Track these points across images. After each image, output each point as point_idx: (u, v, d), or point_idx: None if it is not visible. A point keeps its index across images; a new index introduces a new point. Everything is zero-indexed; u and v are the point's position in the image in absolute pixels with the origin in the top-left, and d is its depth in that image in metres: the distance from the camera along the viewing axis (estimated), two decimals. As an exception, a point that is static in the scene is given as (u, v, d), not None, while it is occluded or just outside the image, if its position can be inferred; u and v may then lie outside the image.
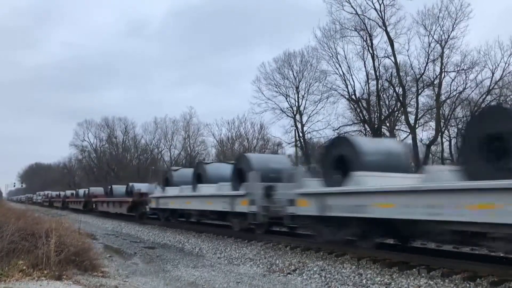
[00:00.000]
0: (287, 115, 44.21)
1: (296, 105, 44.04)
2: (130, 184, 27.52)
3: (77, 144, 75.93)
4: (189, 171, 19.25)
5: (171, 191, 18.95)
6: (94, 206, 32.64)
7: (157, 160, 71.20)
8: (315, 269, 8.69)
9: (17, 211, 15.00)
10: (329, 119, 46.47)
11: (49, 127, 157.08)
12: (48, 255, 7.19)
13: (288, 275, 8.62)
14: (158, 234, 16.94)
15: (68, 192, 47.85)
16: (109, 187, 32.22)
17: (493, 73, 33.24)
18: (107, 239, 16.37)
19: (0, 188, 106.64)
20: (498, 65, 33.22)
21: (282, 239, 12.27)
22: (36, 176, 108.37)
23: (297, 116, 43.86)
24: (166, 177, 20.85)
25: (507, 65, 32.71)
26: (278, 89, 44.49)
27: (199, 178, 17.07)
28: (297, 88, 43.88)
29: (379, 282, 7.40)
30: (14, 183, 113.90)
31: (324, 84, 40.43)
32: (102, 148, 77.01)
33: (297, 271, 8.76)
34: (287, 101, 44.37)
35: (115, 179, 60.17)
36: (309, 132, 43.86)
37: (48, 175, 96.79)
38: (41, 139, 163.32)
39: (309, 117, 43.52)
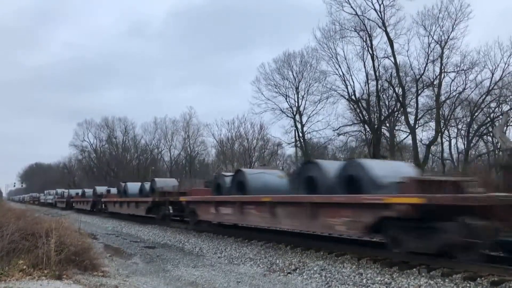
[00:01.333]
0: (287, 116, 44.34)
1: (296, 105, 44.16)
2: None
3: (77, 144, 76.24)
4: None
5: None
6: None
7: (157, 160, 71.29)
8: (315, 268, 8.69)
9: (17, 211, 14.96)
10: (329, 120, 46.96)
11: (49, 127, 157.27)
12: (48, 255, 7.20)
13: (289, 274, 8.63)
14: (158, 234, 16.91)
15: (102, 188, 31.94)
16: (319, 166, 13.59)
17: (492, 74, 33.42)
18: (107, 238, 16.36)
19: (0, 188, 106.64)
20: (497, 65, 33.43)
21: (282, 238, 12.25)
22: (36, 176, 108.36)
23: (297, 117, 43.96)
24: None
25: (506, 65, 32.91)
26: (278, 89, 44.65)
27: None
28: (296, 88, 43.98)
29: (380, 282, 7.40)
30: (14, 183, 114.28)
31: (324, 84, 40.57)
32: (102, 148, 77.22)
33: (297, 271, 8.77)
34: (287, 101, 44.52)
35: (115, 179, 60.14)
36: (309, 133, 44.00)
37: (48, 175, 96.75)
38: (41, 139, 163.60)
39: (309, 117, 43.69)
